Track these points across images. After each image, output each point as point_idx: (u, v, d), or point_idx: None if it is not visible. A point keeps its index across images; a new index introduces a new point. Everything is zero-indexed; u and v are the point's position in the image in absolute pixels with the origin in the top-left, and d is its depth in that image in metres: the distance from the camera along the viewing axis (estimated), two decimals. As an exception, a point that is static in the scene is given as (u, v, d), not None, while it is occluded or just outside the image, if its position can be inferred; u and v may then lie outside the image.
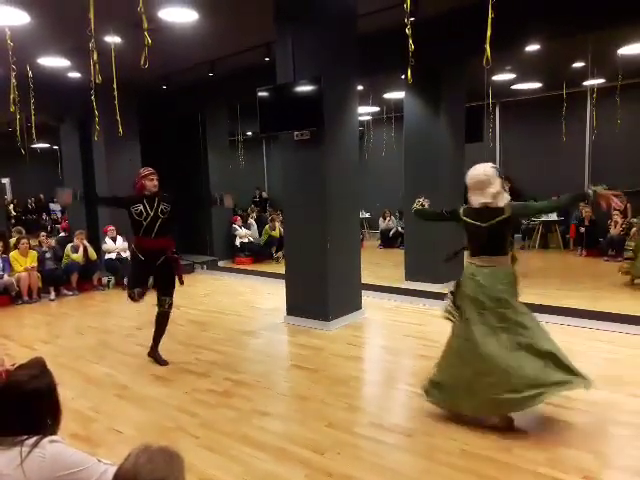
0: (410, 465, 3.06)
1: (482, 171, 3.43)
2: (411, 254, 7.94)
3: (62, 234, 12.25)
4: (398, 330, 5.75)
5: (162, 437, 3.42)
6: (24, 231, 10.05)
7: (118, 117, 4.68)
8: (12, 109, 5.07)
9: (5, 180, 18.89)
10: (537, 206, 3.94)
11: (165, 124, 10.90)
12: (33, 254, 8.09)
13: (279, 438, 3.42)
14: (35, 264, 7.98)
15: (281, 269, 7.39)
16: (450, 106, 7.47)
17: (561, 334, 5.36)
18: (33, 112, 6.35)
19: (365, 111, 13.23)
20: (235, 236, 11.17)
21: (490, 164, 3.50)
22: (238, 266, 10.64)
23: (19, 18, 5.59)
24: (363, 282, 6.56)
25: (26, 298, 7.79)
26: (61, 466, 1.66)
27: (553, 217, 11.40)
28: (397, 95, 10.68)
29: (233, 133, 13.59)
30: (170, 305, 4.93)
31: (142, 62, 3.72)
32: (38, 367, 1.84)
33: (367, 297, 6.77)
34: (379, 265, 10.00)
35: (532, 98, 12.03)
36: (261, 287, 8.55)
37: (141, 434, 3.53)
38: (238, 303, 7.41)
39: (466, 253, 3.70)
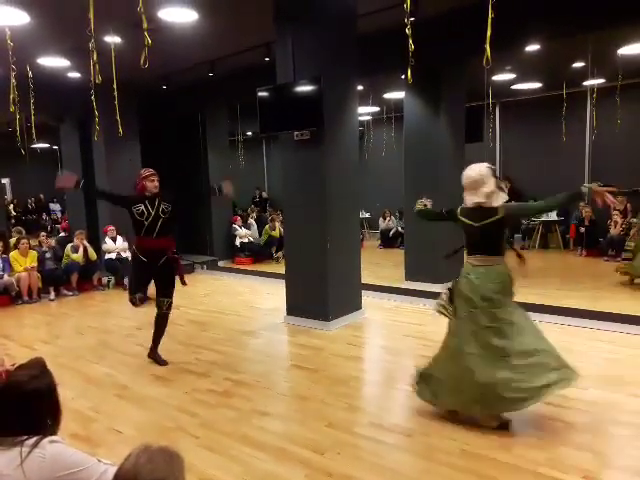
0: (410, 465, 3.06)
1: (477, 171, 3.43)
2: (411, 254, 7.94)
3: (62, 234, 12.25)
4: (398, 330, 5.75)
5: (162, 437, 3.42)
6: (24, 231, 10.06)
7: (118, 117, 4.68)
8: (12, 109, 5.07)
9: (5, 180, 18.90)
10: (532, 206, 3.92)
11: (165, 124, 10.90)
12: (33, 254, 8.09)
13: (279, 438, 3.42)
14: (35, 264, 7.98)
15: (281, 269, 7.39)
16: (450, 106, 7.47)
17: (561, 334, 5.38)
18: (33, 112, 6.35)
19: (365, 111, 13.23)
20: (235, 236, 11.17)
21: (486, 164, 3.49)
22: (238, 266, 10.64)
23: (19, 18, 5.59)
24: (363, 282, 6.56)
25: (26, 298, 7.79)
26: (61, 466, 1.66)
27: (553, 217, 11.41)
28: (397, 95, 10.68)
29: (233, 133, 13.59)
30: (169, 306, 4.93)
31: (142, 62, 3.72)
32: (38, 367, 1.84)
33: (367, 297, 6.77)
34: (379, 265, 10.00)
35: (532, 98, 12.03)
36: (261, 287, 8.55)
37: (141, 434, 3.53)
38: (238, 303, 7.41)
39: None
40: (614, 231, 9.78)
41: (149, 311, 5.38)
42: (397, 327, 5.89)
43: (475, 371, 3.29)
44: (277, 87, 5.95)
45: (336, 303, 5.96)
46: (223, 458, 3.19)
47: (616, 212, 9.77)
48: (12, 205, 18.87)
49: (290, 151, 6.06)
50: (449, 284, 3.61)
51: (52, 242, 9.28)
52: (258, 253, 11.12)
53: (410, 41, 3.52)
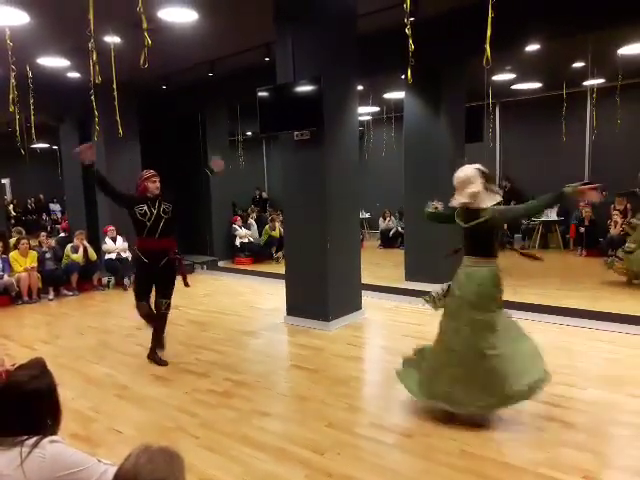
0: (410, 465, 3.06)
1: (464, 171, 3.45)
2: (411, 254, 7.94)
3: (62, 234, 12.24)
4: (398, 330, 5.75)
5: (162, 437, 3.42)
6: (24, 231, 10.06)
7: (118, 117, 4.69)
8: (12, 109, 5.07)
9: (5, 180, 18.89)
10: (518, 209, 3.78)
11: (165, 124, 10.90)
12: (33, 254, 8.09)
13: (279, 438, 3.42)
14: (35, 264, 7.98)
15: (281, 269, 7.39)
16: (450, 106, 7.47)
17: (561, 334, 5.39)
18: (33, 112, 6.35)
19: (365, 111, 13.23)
20: (235, 236, 11.17)
21: (475, 165, 3.49)
22: (238, 266, 10.64)
23: (19, 18, 5.59)
24: (363, 282, 6.56)
25: (26, 298, 7.79)
26: (61, 466, 1.66)
27: (553, 217, 11.41)
28: (397, 95, 10.68)
29: (233, 133, 13.59)
30: (168, 307, 4.92)
31: (142, 62, 3.73)
32: (38, 367, 1.84)
33: (367, 297, 6.77)
34: (379, 265, 10.00)
35: (532, 98, 12.03)
36: (261, 287, 8.55)
37: (141, 434, 3.53)
38: (238, 303, 7.41)
39: None
40: (614, 231, 9.77)
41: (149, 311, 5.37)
42: (397, 327, 5.89)
43: (450, 367, 3.41)
44: (277, 87, 5.95)
45: (336, 303, 5.95)
46: (223, 458, 3.19)
47: (616, 212, 9.77)
48: (12, 205, 18.87)
49: (290, 151, 6.06)
50: (450, 283, 3.64)
51: (52, 242, 9.27)
52: (258, 253, 11.12)
53: (410, 41, 3.52)
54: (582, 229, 10.50)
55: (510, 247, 3.96)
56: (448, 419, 3.46)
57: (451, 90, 7.47)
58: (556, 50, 7.95)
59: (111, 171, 9.40)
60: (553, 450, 3.11)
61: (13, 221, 16.34)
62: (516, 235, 12.02)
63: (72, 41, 6.52)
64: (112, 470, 1.55)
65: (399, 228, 12.51)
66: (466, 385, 3.34)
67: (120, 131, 5.02)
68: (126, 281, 8.62)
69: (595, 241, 10.21)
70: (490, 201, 3.38)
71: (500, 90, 10.91)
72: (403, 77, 7.30)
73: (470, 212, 3.42)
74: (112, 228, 8.89)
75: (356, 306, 6.31)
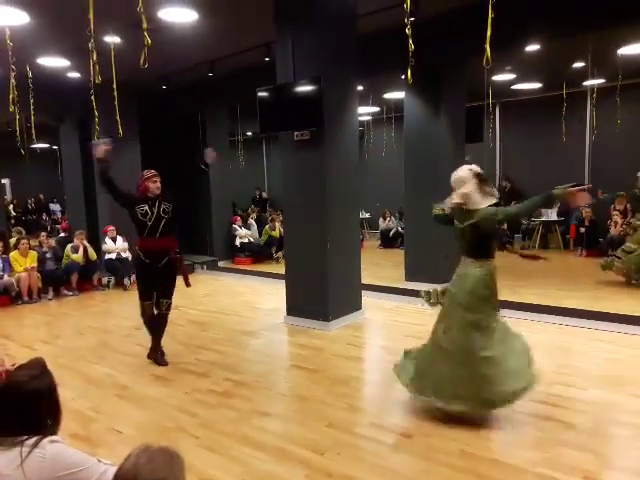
0: (410, 465, 3.06)
1: (458, 173, 3.48)
2: (411, 254, 7.94)
3: (62, 234, 12.24)
4: (398, 330, 5.75)
5: (162, 437, 3.42)
6: (24, 231, 10.06)
7: (118, 117, 4.69)
8: (12, 109, 5.06)
9: (5, 180, 18.88)
10: (509, 211, 3.62)
11: (165, 124, 10.90)
12: (33, 254, 8.09)
13: (279, 438, 3.42)
14: (35, 264, 7.98)
15: (281, 269, 7.39)
16: (450, 106, 7.47)
17: (561, 334, 5.39)
18: (33, 112, 6.35)
19: (365, 111, 13.23)
20: (235, 236, 11.17)
21: (470, 166, 3.50)
22: (238, 266, 10.64)
23: (19, 18, 5.59)
24: (363, 282, 6.56)
25: (26, 298, 7.79)
26: (61, 466, 1.66)
27: (553, 217, 11.42)
28: (397, 95, 10.69)
29: (233, 133, 13.59)
30: (168, 307, 4.92)
31: (142, 62, 3.73)
32: (38, 367, 1.84)
33: (367, 297, 6.77)
34: (379, 265, 10.00)
35: (532, 98, 12.03)
36: (261, 287, 8.55)
37: (141, 434, 3.53)
38: (238, 303, 7.41)
39: None
40: (614, 231, 9.77)
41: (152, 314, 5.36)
42: (397, 327, 5.88)
43: (438, 364, 3.47)
44: (277, 87, 5.95)
45: (336, 303, 5.95)
46: (223, 458, 3.19)
47: (616, 212, 9.77)
48: (12, 205, 18.87)
49: (290, 151, 6.06)
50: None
51: (52, 242, 9.28)
52: (258, 253, 11.12)
53: (410, 41, 3.52)
54: (582, 229, 10.50)
55: (510, 249, 3.95)
56: (448, 419, 3.46)
57: (451, 90, 7.46)
58: (556, 50, 7.95)
59: (111, 171, 9.44)
60: (553, 450, 3.11)
61: (13, 221, 16.33)
62: (516, 235, 12.02)
63: (72, 41, 6.52)
64: (112, 470, 1.55)
65: (399, 228, 12.51)
66: (452, 383, 3.38)
67: (120, 131, 5.02)
68: (126, 281, 8.62)
69: (595, 241, 10.21)
70: (483, 203, 3.37)
71: (500, 90, 10.91)
72: (403, 77, 7.30)
73: (464, 213, 3.43)
74: (112, 228, 8.89)
75: (356, 306, 6.31)
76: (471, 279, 3.43)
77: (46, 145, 16.12)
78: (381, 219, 13.41)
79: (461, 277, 3.50)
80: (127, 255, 8.74)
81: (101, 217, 9.69)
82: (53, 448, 1.68)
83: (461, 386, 3.35)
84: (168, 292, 4.89)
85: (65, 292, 8.29)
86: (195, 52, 7.76)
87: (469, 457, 3.07)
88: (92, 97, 4.77)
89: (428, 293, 3.70)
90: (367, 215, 14.77)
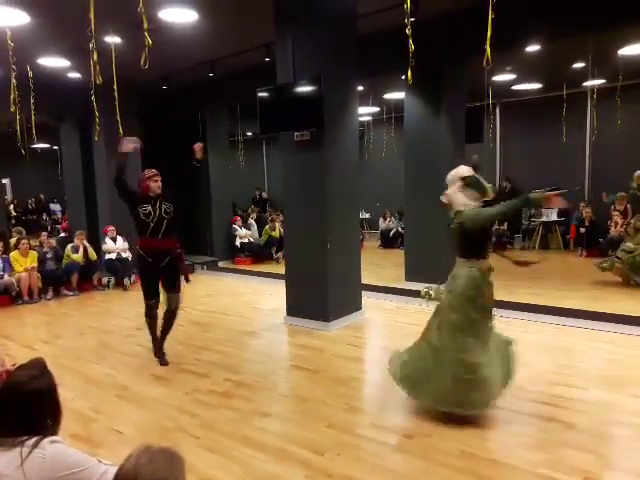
0: (410, 466, 3.05)
1: (449, 174, 3.56)
2: (411, 254, 7.94)
3: (62, 234, 12.25)
4: (398, 331, 5.75)
5: (162, 437, 3.42)
6: (24, 231, 10.06)
7: (118, 117, 4.68)
8: (12, 109, 5.06)
9: (5, 180, 18.88)
10: (488, 213, 3.46)
11: (165, 124, 10.90)
12: (33, 254, 8.09)
13: (279, 439, 3.42)
14: (35, 264, 7.98)
15: (281, 269, 7.39)
16: (450, 106, 7.47)
17: (561, 334, 5.39)
18: (33, 112, 6.35)
19: (365, 111, 13.23)
20: (235, 236, 11.18)
21: (459, 167, 3.57)
22: (238, 266, 10.65)
23: (19, 18, 5.59)
24: (363, 282, 6.56)
25: (26, 298, 7.80)
26: (61, 466, 1.66)
27: (553, 217, 11.42)
28: (397, 95, 10.68)
29: (233, 133, 13.59)
30: (178, 303, 4.93)
31: (142, 62, 3.72)
32: (38, 367, 1.84)
33: (367, 297, 6.77)
34: (379, 265, 9.99)
35: (532, 99, 12.03)
36: (261, 287, 8.55)
37: (141, 434, 3.53)
38: (239, 304, 7.41)
39: None
40: (614, 231, 9.77)
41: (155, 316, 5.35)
42: (397, 328, 5.88)
43: (425, 360, 3.53)
44: (277, 87, 5.95)
45: (336, 303, 5.95)
46: (223, 459, 3.19)
47: (616, 212, 9.77)
48: (12, 205, 18.86)
49: (290, 152, 6.06)
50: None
51: (53, 242, 9.28)
52: (258, 253, 11.12)
53: (410, 41, 3.52)
54: (582, 230, 10.51)
55: (502, 254, 3.96)
56: (448, 420, 3.46)
57: (451, 90, 7.46)
58: (556, 51, 7.95)
59: (111, 171, 9.42)
60: (554, 451, 3.11)
61: (13, 221, 16.33)
62: (516, 235, 12.03)
63: (73, 41, 6.52)
64: (112, 470, 1.55)
65: (399, 228, 12.51)
66: (430, 379, 3.46)
67: (120, 131, 5.02)
68: (126, 281, 8.63)
69: (595, 242, 10.21)
70: (466, 204, 3.40)
71: (500, 90, 10.91)
72: (403, 77, 7.30)
73: (454, 214, 3.49)
74: (112, 228, 8.89)
75: (356, 306, 6.31)
76: (460, 279, 3.47)
77: (46, 145, 16.13)
78: (381, 219, 13.41)
79: (452, 277, 3.55)
80: (127, 255, 8.75)
81: (101, 217, 9.69)
82: (53, 448, 1.68)
83: (436, 384, 3.42)
84: (175, 286, 4.89)
85: (65, 292, 8.29)
86: (195, 52, 7.76)
87: (469, 457, 3.07)
88: (92, 97, 4.77)
89: (427, 291, 3.77)
90: (367, 215, 14.77)
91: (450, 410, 3.43)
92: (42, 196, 20.64)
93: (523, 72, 9.72)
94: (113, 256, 8.80)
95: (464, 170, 3.52)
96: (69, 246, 8.61)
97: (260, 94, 6.05)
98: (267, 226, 11.39)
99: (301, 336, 5.72)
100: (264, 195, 17.77)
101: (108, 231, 8.89)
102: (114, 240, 8.89)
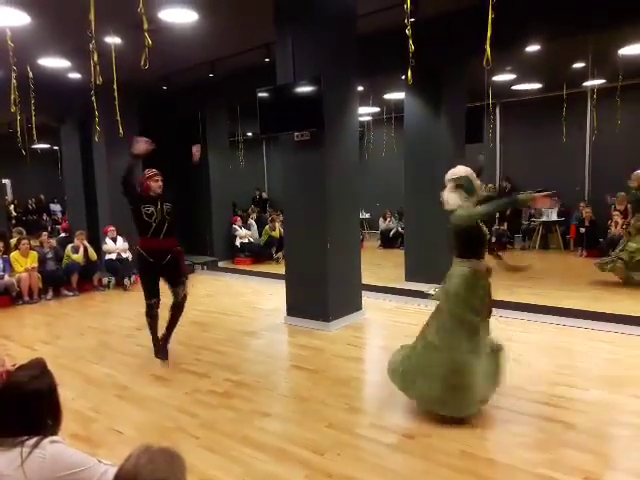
0: (410, 466, 3.06)
1: (448, 172, 3.58)
2: (411, 255, 7.94)
3: (62, 235, 12.25)
4: (398, 331, 5.74)
5: (162, 438, 3.42)
6: (24, 232, 10.05)
7: (118, 118, 4.69)
8: (13, 110, 5.07)
9: (6, 181, 18.87)
10: (476, 212, 3.43)
11: (165, 124, 10.89)
12: (33, 255, 8.09)
13: (279, 439, 3.42)
14: (35, 265, 7.98)
15: (281, 270, 7.39)
16: (450, 106, 7.47)
17: (561, 334, 5.39)
18: (34, 113, 6.35)
19: (365, 112, 13.23)
20: (235, 236, 11.18)
21: (456, 167, 3.60)
22: (238, 267, 10.65)
23: (19, 19, 5.60)
24: (363, 283, 6.56)
25: (27, 298, 7.80)
26: (61, 466, 1.66)
27: (553, 217, 11.42)
28: (397, 95, 10.69)
29: (233, 133, 13.59)
30: (185, 296, 4.93)
31: (142, 63, 3.73)
32: (38, 368, 1.84)
33: (367, 298, 6.77)
34: (379, 266, 9.99)
35: (532, 98, 12.03)
36: (261, 288, 8.55)
37: (141, 434, 3.53)
38: (239, 304, 7.41)
39: None
40: (614, 231, 9.77)
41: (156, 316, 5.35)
42: (397, 328, 5.88)
43: (418, 357, 3.55)
44: (277, 88, 5.95)
45: (336, 304, 5.95)
46: (223, 459, 3.19)
47: (616, 212, 9.76)
48: (13, 205, 18.86)
49: (290, 152, 6.06)
50: None
51: (54, 242, 9.28)
52: (258, 253, 11.12)
53: (410, 41, 3.52)
54: (582, 229, 10.50)
55: (495, 255, 3.95)
56: (448, 420, 3.46)
57: (451, 90, 7.46)
58: (556, 51, 7.95)
59: (112, 172, 9.43)
60: (554, 451, 3.11)
61: (14, 221, 16.33)
62: (516, 235, 12.03)
63: (73, 42, 6.52)
64: (112, 470, 1.55)
65: (399, 228, 12.52)
66: (420, 376, 3.49)
67: (121, 131, 5.02)
68: (126, 281, 8.63)
69: (595, 241, 10.21)
70: (458, 205, 3.42)
71: (500, 90, 10.91)
72: (403, 77, 7.31)
73: (450, 214, 3.53)
74: (112, 228, 8.89)
75: (356, 306, 6.31)
76: (454, 279, 3.48)
77: (47, 146, 16.13)
78: (381, 219, 13.41)
79: (448, 276, 3.56)
80: (127, 255, 8.75)
81: (101, 217, 9.69)
82: (53, 448, 1.68)
83: (424, 381, 3.44)
84: (180, 279, 4.89)
85: (65, 292, 8.29)
86: (195, 53, 7.76)
87: (469, 457, 3.07)
88: (93, 98, 4.77)
89: (437, 289, 3.79)
90: (367, 215, 14.77)
91: (432, 409, 3.46)
92: (42, 196, 20.63)
93: (523, 72, 9.72)
94: (113, 256, 8.80)
95: (460, 170, 3.53)
96: (69, 246, 8.62)
97: (260, 94, 6.05)
98: (267, 226, 11.39)
99: (301, 336, 5.72)
100: (264, 195, 17.77)
101: (108, 231, 8.90)
102: (114, 240, 8.90)
